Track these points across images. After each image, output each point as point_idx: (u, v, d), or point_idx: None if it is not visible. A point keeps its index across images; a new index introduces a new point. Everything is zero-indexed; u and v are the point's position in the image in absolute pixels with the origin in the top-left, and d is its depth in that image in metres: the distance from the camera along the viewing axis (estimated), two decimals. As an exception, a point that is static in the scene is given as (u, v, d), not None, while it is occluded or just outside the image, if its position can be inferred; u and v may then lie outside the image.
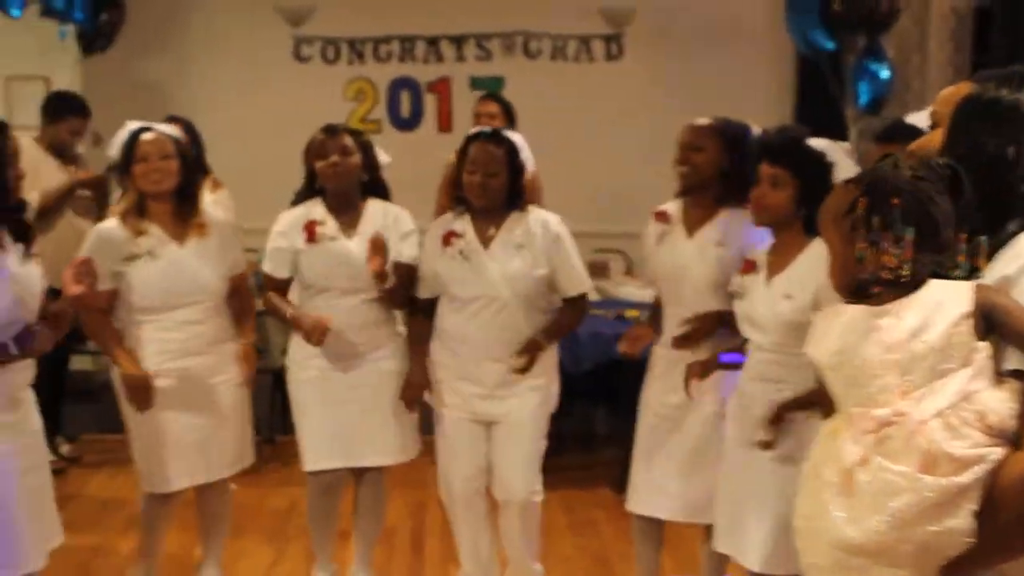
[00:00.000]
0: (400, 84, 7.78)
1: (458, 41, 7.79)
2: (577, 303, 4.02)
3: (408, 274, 4.03)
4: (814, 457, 2.21)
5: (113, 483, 5.49)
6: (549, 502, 4.11)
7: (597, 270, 6.44)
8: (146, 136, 3.92)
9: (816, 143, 3.35)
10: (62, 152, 5.79)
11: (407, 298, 4.06)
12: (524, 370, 3.89)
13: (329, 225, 4.03)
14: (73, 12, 6.26)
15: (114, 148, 4.00)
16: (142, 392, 3.83)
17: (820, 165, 3.29)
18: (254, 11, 7.49)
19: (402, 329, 4.15)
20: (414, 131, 7.78)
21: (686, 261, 3.77)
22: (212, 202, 5.08)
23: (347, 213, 4.06)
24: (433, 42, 7.79)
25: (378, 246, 3.88)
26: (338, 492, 4.22)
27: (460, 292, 3.91)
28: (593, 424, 6.19)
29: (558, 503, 4.09)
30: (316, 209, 4.07)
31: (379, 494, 4.24)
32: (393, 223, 4.07)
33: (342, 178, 4.01)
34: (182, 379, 3.89)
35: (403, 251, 4.04)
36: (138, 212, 3.90)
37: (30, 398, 3.21)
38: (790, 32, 6.97)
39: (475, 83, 7.72)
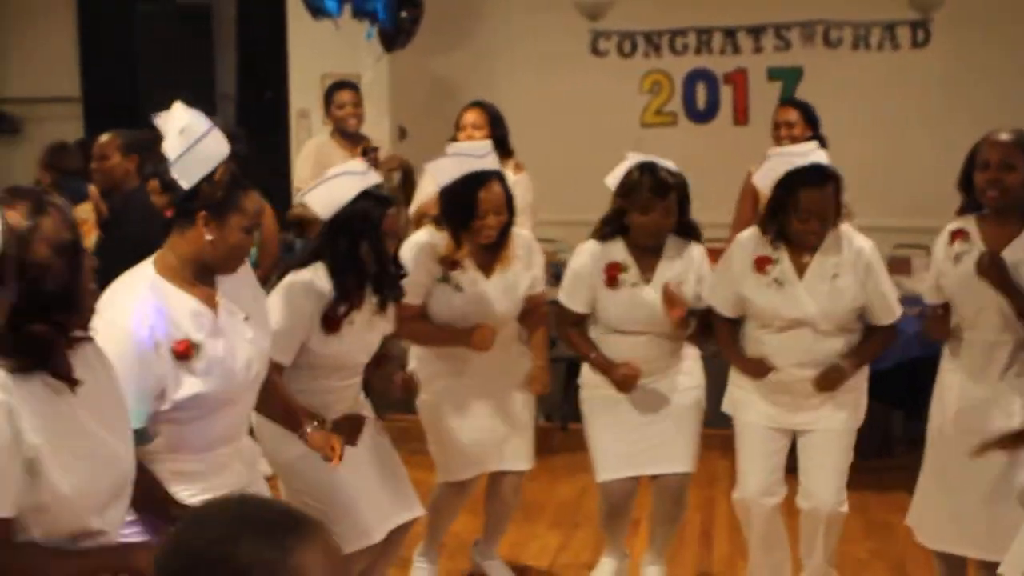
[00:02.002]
0: (696, 76, 7.73)
1: (756, 31, 7.66)
2: (887, 330, 3.91)
3: (708, 313, 4.03)
4: None
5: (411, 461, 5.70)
6: (844, 503, 4.01)
7: (898, 266, 6.20)
8: (487, 194, 3.89)
9: None
10: (344, 134, 6.08)
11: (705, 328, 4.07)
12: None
13: (631, 272, 4.02)
14: (378, 11, 6.57)
15: (441, 177, 3.97)
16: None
17: None
18: (552, 5, 7.61)
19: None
20: (709, 123, 7.71)
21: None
22: (514, 183, 5.21)
23: (649, 256, 4.04)
24: (730, 33, 7.70)
25: (674, 299, 3.90)
26: (630, 497, 4.24)
27: (771, 321, 3.86)
28: (890, 425, 5.98)
29: (853, 505, 3.98)
30: (617, 249, 4.04)
31: (678, 500, 4.21)
32: (691, 263, 4.04)
33: (659, 236, 4.00)
34: (473, 375, 4.04)
35: (703, 293, 4.04)
36: (457, 244, 3.96)
37: None
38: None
39: (772, 74, 7.58)
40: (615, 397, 4.08)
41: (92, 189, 5.39)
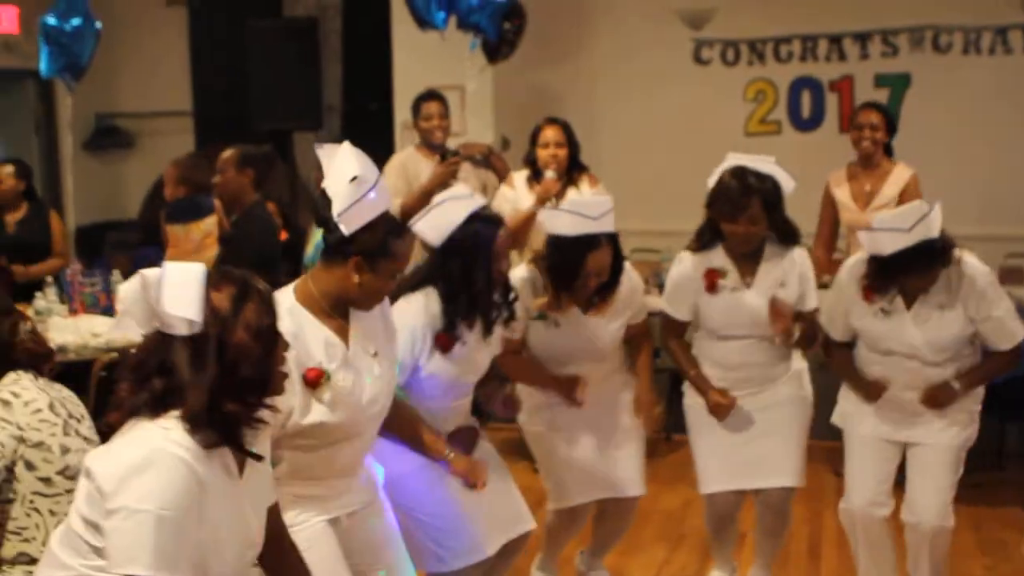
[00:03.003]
0: (801, 84, 7.65)
1: (862, 38, 7.56)
2: (1007, 354, 3.82)
3: (814, 321, 4.00)
4: None
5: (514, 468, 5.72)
6: (956, 518, 3.92)
7: (1010, 276, 6.06)
8: (595, 257, 3.82)
9: None
10: (431, 146, 5.99)
11: (813, 339, 4.02)
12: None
13: (730, 277, 3.99)
14: (482, 23, 6.62)
15: (555, 226, 3.90)
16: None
17: None
18: (654, 15, 7.60)
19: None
20: (814, 132, 7.63)
21: None
22: (592, 194, 5.20)
23: (749, 260, 4.00)
24: (836, 40, 7.60)
25: (778, 311, 3.87)
26: (736, 510, 4.22)
27: (879, 347, 3.82)
28: (1004, 439, 5.84)
29: (966, 521, 3.91)
30: (716, 255, 4.01)
31: (782, 514, 4.18)
32: (792, 265, 3.99)
33: (750, 243, 3.96)
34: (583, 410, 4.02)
35: (807, 302, 4.00)
36: (557, 298, 3.92)
37: None
38: None
39: (880, 81, 7.46)
40: None
41: (216, 203, 5.51)
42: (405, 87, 7.33)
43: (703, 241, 4.03)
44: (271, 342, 2.27)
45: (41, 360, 3.27)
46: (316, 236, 5.56)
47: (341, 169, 2.84)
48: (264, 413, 2.33)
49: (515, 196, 5.35)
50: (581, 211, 3.85)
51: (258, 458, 2.30)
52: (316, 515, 2.94)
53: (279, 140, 8.39)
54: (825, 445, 4.92)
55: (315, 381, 2.82)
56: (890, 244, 3.61)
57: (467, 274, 3.43)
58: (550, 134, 5.32)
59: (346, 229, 2.82)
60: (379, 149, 7.27)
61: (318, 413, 2.84)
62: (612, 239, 3.88)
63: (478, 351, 3.55)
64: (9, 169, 6.41)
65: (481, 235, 3.45)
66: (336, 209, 2.81)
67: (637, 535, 4.90)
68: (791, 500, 4.17)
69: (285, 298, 2.85)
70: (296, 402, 2.80)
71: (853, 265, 3.87)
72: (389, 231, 2.89)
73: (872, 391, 3.86)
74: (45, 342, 3.39)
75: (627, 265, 4.05)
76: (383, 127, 7.65)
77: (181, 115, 8.71)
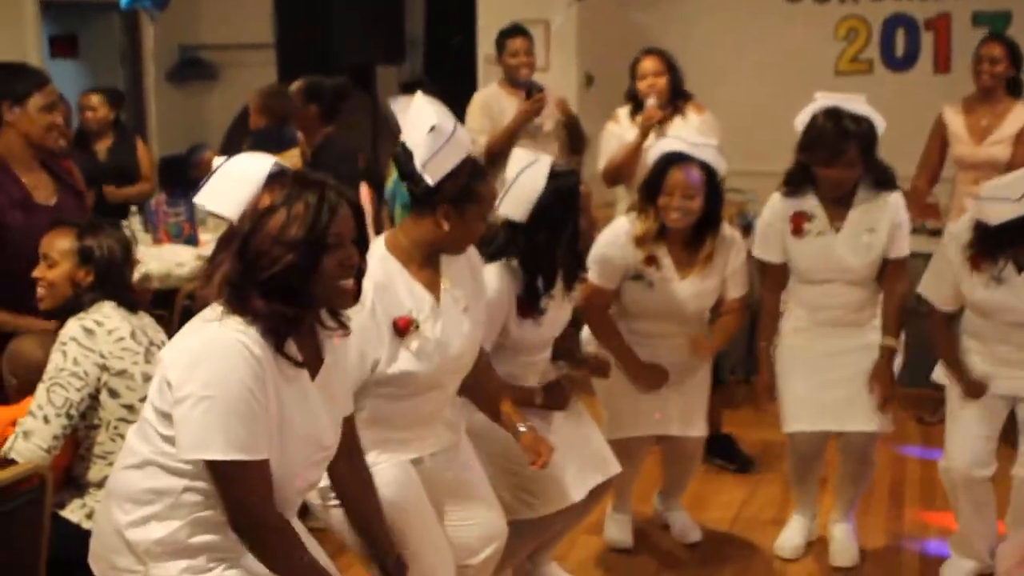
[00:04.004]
0: (895, 21, 7.40)
1: (960, -26, 7.30)
2: None
3: (901, 268, 3.92)
4: None
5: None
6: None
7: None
8: (678, 173, 3.76)
9: None
10: (515, 83, 5.85)
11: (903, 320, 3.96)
12: None
13: (817, 220, 3.90)
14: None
15: (653, 156, 3.92)
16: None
17: None
18: (746, -50, 7.42)
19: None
20: (908, 71, 7.39)
21: None
22: (699, 123, 5.14)
23: (839, 205, 3.90)
24: (932, -24, 7.36)
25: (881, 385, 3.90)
26: (818, 453, 4.17)
27: (997, 319, 3.71)
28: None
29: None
30: (807, 198, 3.92)
31: (864, 459, 4.12)
32: (885, 211, 3.87)
33: (842, 188, 3.86)
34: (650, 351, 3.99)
35: (897, 250, 3.91)
36: (657, 235, 3.85)
37: None
38: None
39: (978, 19, 7.19)
40: (810, 348, 3.99)
41: (300, 135, 5.52)
42: (489, 21, 7.21)
43: (793, 184, 3.94)
44: (303, 254, 2.21)
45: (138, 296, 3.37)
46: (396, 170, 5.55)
47: (418, 120, 2.85)
48: (329, 323, 2.35)
49: (620, 131, 5.27)
50: (681, 137, 3.93)
51: (296, 363, 2.28)
52: (398, 455, 2.95)
53: (361, 74, 8.35)
54: (909, 392, 4.84)
55: (404, 329, 2.85)
56: (998, 214, 3.52)
57: (553, 241, 3.38)
58: (647, 65, 5.22)
59: (430, 179, 2.84)
60: (461, 84, 7.25)
61: (405, 362, 2.85)
62: (707, 170, 3.80)
63: (560, 309, 3.54)
64: (100, 98, 6.44)
65: (564, 197, 3.39)
66: (418, 160, 2.83)
67: (716, 476, 4.87)
68: (873, 446, 4.11)
69: (377, 247, 2.89)
70: (383, 351, 2.82)
71: (958, 233, 3.73)
72: (472, 175, 2.90)
73: (972, 390, 3.78)
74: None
75: (728, 228, 3.98)
76: (466, 61, 7.57)
77: (263, 47, 8.68)
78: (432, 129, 2.81)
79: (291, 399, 2.28)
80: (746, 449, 5.20)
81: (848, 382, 3.97)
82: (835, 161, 3.75)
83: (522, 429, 3.23)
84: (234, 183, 2.28)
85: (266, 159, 2.32)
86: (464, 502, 3.16)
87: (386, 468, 2.90)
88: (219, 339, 2.20)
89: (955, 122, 5.48)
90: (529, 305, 3.40)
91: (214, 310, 2.26)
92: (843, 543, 4.20)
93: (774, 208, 3.99)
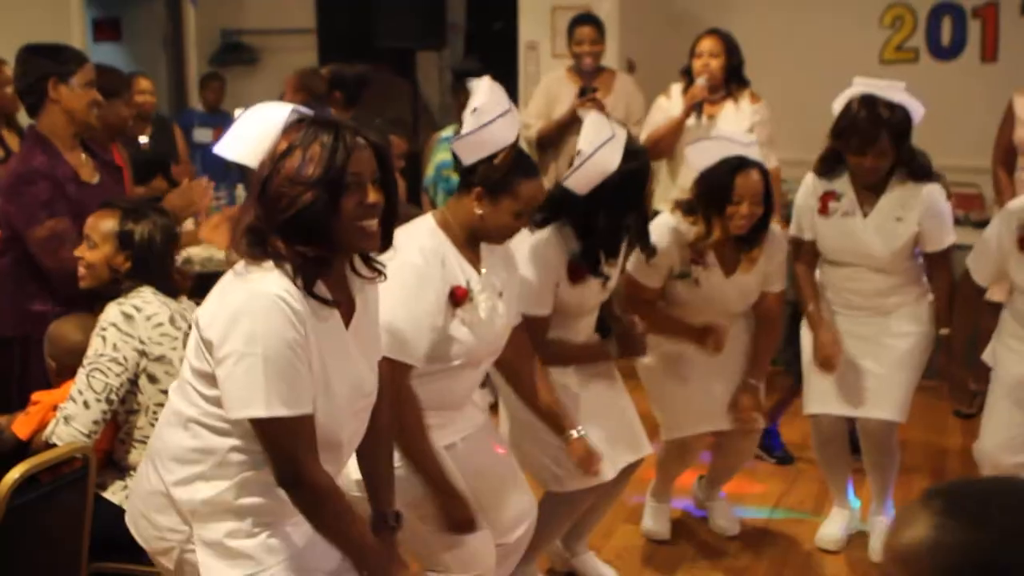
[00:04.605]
0: (942, 10, 7.30)
1: (1009, -39, 7.20)
2: None
3: (941, 261, 3.89)
4: None
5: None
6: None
7: None
8: (745, 180, 3.69)
9: None
10: (580, 71, 5.86)
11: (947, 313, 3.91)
12: None
13: (846, 202, 3.88)
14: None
15: (701, 159, 3.81)
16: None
17: None
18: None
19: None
20: (954, 60, 7.30)
21: None
22: (752, 112, 5.13)
23: (871, 190, 3.86)
24: (980, -36, 7.26)
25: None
26: (841, 437, 4.16)
27: None
28: None
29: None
30: (840, 180, 3.91)
31: (884, 448, 4.08)
32: (917, 202, 3.82)
33: (874, 176, 3.82)
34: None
35: (935, 242, 3.86)
36: (708, 230, 3.79)
37: None
38: None
39: (1027, 7, 7.11)
40: (837, 326, 4.00)
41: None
42: (530, 6, 7.19)
43: (827, 167, 3.94)
44: (322, 193, 2.17)
45: (180, 281, 3.38)
46: (436, 157, 5.55)
47: (471, 100, 2.90)
48: (329, 260, 2.25)
49: (668, 106, 5.28)
50: (725, 137, 3.89)
51: (326, 302, 2.23)
52: (434, 443, 2.94)
53: (402, 59, 8.36)
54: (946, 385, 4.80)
55: (461, 298, 2.88)
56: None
57: (620, 219, 3.40)
58: (705, 44, 5.20)
59: (462, 159, 2.89)
60: (502, 70, 7.23)
61: (455, 330, 2.88)
62: (762, 171, 3.76)
63: (611, 274, 3.55)
64: (149, 84, 6.38)
65: (637, 178, 3.39)
66: (457, 136, 2.90)
67: (755, 467, 4.84)
68: (893, 435, 4.08)
69: (428, 223, 2.95)
70: (440, 318, 2.84)
71: (1012, 212, 3.67)
72: (515, 168, 2.90)
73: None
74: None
75: (772, 224, 3.93)
76: (507, 47, 7.55)
77: (305, 32, 8.71)
78: (474, 110, 2.85)
79: (331, 350, 2.26)
80: (786, 440, 5.16)
81: (873, 368, 3.96)
82: (867, 149, 3.73)
83: (573, 435, 3.22)
84: (253, 131, 2.27)
85: (284, 106, 2.30)
86: (494, 482, 3.17)
87: None
88: (257, 295, 2.17)
89: (1020, 106, 5.42)
90: (580, 270, 3.41)
91: (244, 266, 2.24)
92: (882, 537, 4.14)
93: (807, 187, 4.01)
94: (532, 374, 3.28)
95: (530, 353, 3.27)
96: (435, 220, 2.97)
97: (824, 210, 3.92)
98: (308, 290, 2.20)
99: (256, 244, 2.21)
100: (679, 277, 3.86)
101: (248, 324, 2.15)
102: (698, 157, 3.83)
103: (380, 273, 2.39)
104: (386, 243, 2.34)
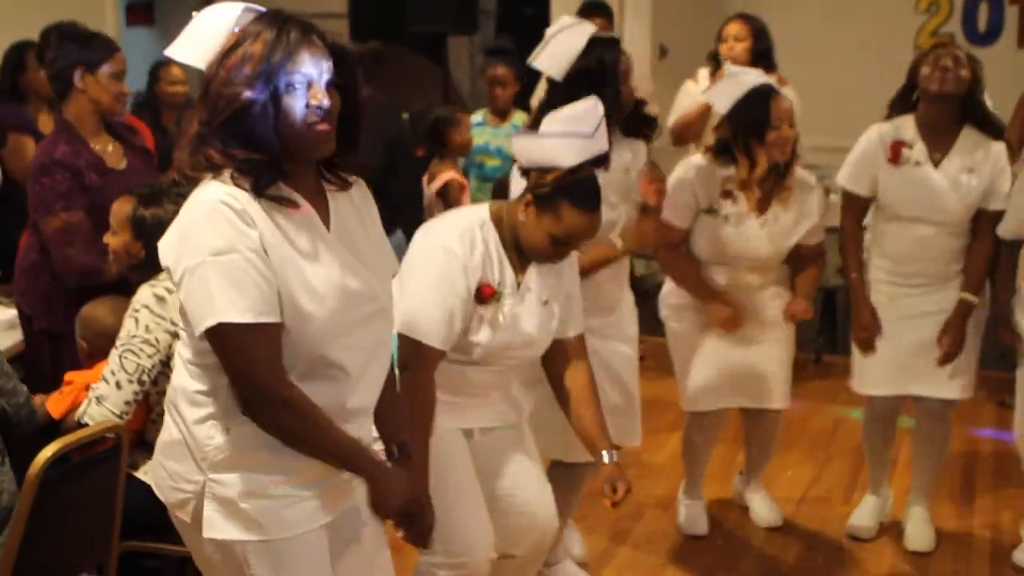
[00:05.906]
0: (979, -6, 7.25)
1: (1048, -55, 7.10)
2: None
3: (994, 223, 3.79)
4: None
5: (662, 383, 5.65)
6: None
7: None
8: (779, 103, 3.66)
9: None
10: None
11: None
12: None
13: (918, 150, 3.79)
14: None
15: (723, 100, 3.75)
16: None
17: None
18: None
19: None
20: (991, 46, 7.23)
21: None
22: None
23: (941, 137, 3.79)
24: (1019, -53, 7.17)
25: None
26: (893, 415, 4.10)
27: None
28: None
29: None
30: (907, 127, 3.82)
31: (941, 429, 4.04)
32: (987, 156, 3.76)
33: (947, 104, 3.73)
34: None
35: (995, 200, 3.78)
36: (752, 163, 3.71)
37: None
38: None
39: (1065, -7, 7.02)
40: (889, 306, 3.90)
41: None
42: (562, -9, 7.17)
43: (895, 109, 3.88)
44: (261, 87, 2.02)
45: None
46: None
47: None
48: (276, 164, 2.07)
49: (696, 90, 5.23)
50: (737, 73, 3.87)
51: (281, 200, 2.07)
52: (448, 422, 2.92)
53: (433, 43, 8.34)
54: (992, 375, 4.76)
55: (486, 298, 2.84)
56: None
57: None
58: (732, 28, 5.16)
59: (517, 157, 2.90)
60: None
61: (474, 326, 2.85)
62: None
63: (623, 174, 3.54)
64: (181, 72, 6.24)
65: (605, 59, 3.41)
66: (522, 131, 2.88)
67: (785, 455, 4.82)
68: (949, 414, 4.02)
69: (481, 212, 2.92)
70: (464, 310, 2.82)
71: None
72: (567, 189, 2.81)
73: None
74: None
75: (804, 171, 3.88)
76: (538, 32, 7.50)
77: (336, 16, 8.69)
78: (557, 111, 2.89)
79: (307, 251, 2.11)
80: (818, 428, 5.13)
81: (929, 345, 3.87)
82: (946, 80, 3.66)
83: (606, 460, 3.01)
84: (205, 32, 2.15)
85: (237, 5, 2.17)
86: (514, 485, 3.10)
87: (436, 429, 2.84)
88: (196, 205, 2.08)
89: None
90: None
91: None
92: (920, 527, 4.12)
93: (870, 137, 3.88)
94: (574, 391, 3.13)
95: (582, 370, 3.13)
96: (490, 212, 2.93)
97: (895, 158, 3.80)
98: (257, 191, 2.07)
99: (197, 150, 2.08)
100: (707, 212, 3.79)
101: (192, 237, 2.05)
102: (722, 100, 3.76)
103: (346, 183, 2.25)
104: (348, 144, 2.17)
